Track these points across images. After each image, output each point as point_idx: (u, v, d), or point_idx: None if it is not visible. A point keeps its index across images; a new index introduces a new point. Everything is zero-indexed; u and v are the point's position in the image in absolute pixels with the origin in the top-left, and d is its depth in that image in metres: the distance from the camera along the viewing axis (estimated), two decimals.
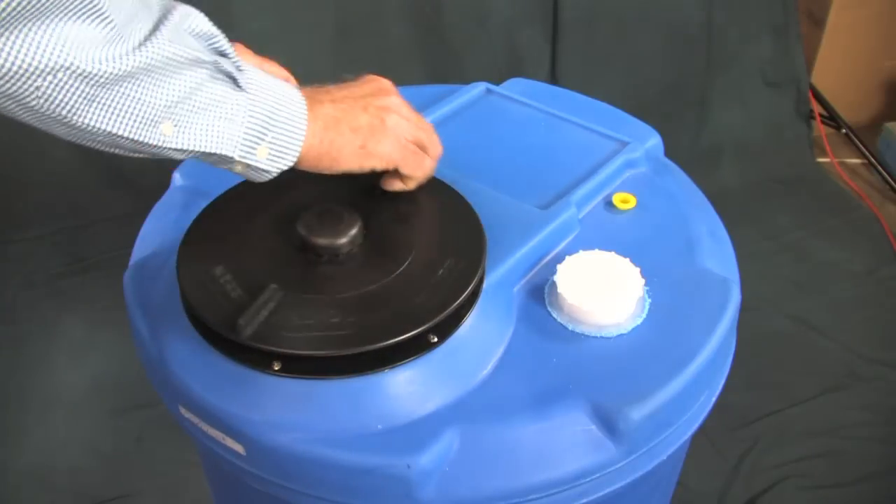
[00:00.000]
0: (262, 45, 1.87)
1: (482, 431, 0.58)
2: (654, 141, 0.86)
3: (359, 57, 1.77)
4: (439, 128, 0.86)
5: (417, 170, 0.67)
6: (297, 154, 0.59)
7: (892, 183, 1.98)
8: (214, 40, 0.54)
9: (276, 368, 0.59)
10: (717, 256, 0.73)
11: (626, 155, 0.82)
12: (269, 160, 0.57)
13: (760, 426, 1.41)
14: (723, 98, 2.02)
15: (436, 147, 0.69)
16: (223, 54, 0.55)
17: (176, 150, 0.53)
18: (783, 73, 2.05)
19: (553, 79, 1.91)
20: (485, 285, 0.65)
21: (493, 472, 0.58)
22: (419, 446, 0.57)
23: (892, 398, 1.47)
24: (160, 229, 0.76)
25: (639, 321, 0.65)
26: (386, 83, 0.67)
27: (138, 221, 0.78)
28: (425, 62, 1.83)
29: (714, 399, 0.67)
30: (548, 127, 0.87)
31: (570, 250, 0.70)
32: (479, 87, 0.92)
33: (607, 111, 0.91)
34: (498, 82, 0.95)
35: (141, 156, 0.54)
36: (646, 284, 0.67)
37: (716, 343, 0.64)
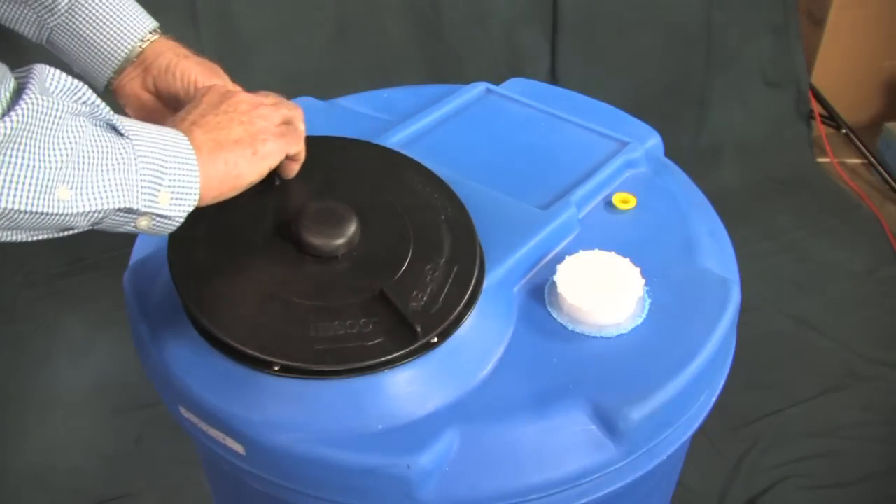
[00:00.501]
0: (262, 45, 1.88)
1: (482, 431, 0.58)
2: (654, 141, 0.86)
3: (358, 57, 1.77)
4: (439, 128, 0.87)
5: (300, 141, 0.67)
6: (198, 190, 0.57)
7: (892, 183, 1.98)
8: (80, 92, 0.51)
9: (276, 369, 0.59)
10: (717, 256, 0.73)
11: (626, 155, 0.82)
12: (173, 205, 0.55)
13: (760, 426, 1.41)
14: (723, 98, 2.02)
15: (295, 109, 0.68)
16: (93, 104, 0.52)
17: (79, 214, 0.50)
18: (783, 73, 2.05)
19: (553, 78, 1.91)
20: (485, 285, 0.65)
21: (493, 472, 0.58)
22: (419, 446, 0.57)
23: (892, 398, 1.47)
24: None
25: (639, 321, 0.65)
26: (220, 86, 0.66)
27: None
28: (425, 62, 1.83)
29: (714, 399, 0.67)
30: (548, 127, 0.87)
31: (570, 250, 0.70)
32: (479, 87, 0.92)
33: (607, 111, 0.91)
34: (497, 82, 0.95)
35: (43, 235, 0.51)
36: (646, 284, 0.67)
37: (716, 343, 0.64)
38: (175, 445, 1.31)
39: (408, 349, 0.59)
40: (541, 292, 0.68)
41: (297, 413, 0.58)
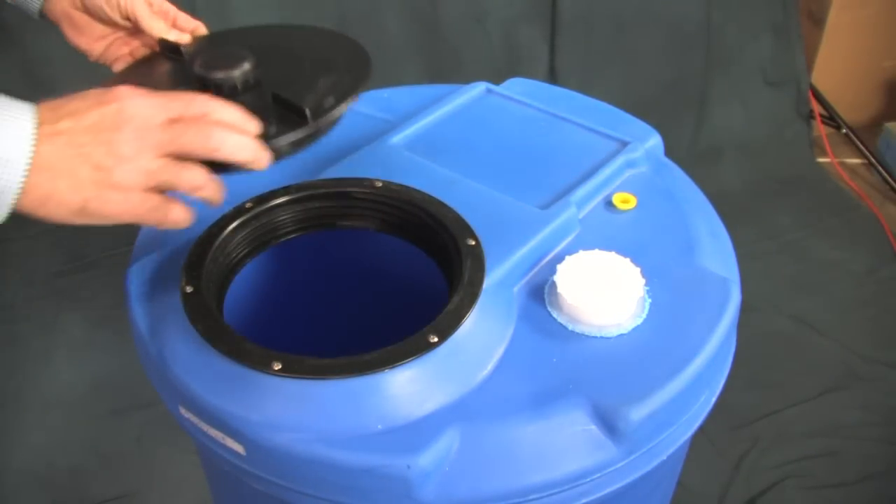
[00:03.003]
0: None
1: (482, 431, 0.58)
2: (654, 141, 0.86)
3: None
4: (439, 128, 0.86)
5: (167, 219, 0.56)
6: (7, 213, 0.51)
7: (892, 183, 1.98)
8: None
9: (277, 368, 0.59)
10: (717, 256, 0.73)
11: (626, 155, 0.82)
12: None
13: (760, 426, 1.41)
14: (723, 97, 2.02)
15: (189, 175, 0.55)
16: None
17: None
18: (783, 73, 2.05)
19: (552, 77, 1.91)
20: (485, 285, 0.65)
21: (493, 472, 0.58)
22: (419, 446, 0.57)
23: (892, 398, 1.47)
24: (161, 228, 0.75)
25: (639, 321, 0.65)
26: (123, 104, 0.54)
27: None
28: (424, 60, 1.83)
29: (714, 399, 0.67)
30: (548, 127, 0.87)
31: (570, 250, 0.70)
32: (479, 87, 0.92)
33: (607, 111, 0.91)
34: (496, 81, 0.95)
35: None
36: (646, 284, 0.67)
37: (716, 343, 0.64)
38: (175, 445, 1.31)
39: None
40: (541, 292, 0.68)
41: (297, 413, 0.58)
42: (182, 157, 0.55)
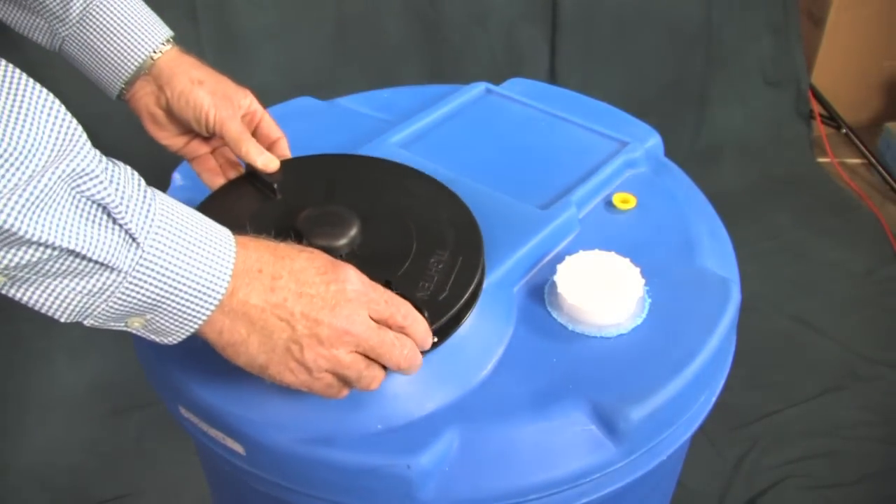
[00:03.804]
0: (262, 43, 1.88)
1: (482, 431, 0.58)
2: (654, 141, 0.86)
3: (358, 56, 1.77)
4: (439, 128, 0.86)
5: (337, 396, 0.56)
6: (184, 338, 0.52)
7: (892, 183, 1.98)
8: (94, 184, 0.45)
9: None
10: (717, 256, 0.73)
11: (626, 155, 0.82)
12: (144, 332, 0.51)
13: (760, 426, 1.41)
14: (723, 97, 2.02)
15: (369, 379, 0.55)
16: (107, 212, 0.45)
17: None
18: (783, 73, 2.05)
19: (552, 78, 1.91)
20: (485, 285, 0.65)
21: (493, 472, 0.58)
22: (419, 446, 0.57)
23: (892, 398, 1.47)
24: None
25: (639, 321, 0.65)
26: (345, 287, 0.53)
27: None
28: (424, 60, 1.83)
29: (714, 399, 0.67)
30: (548, 127, 0.87)
31: (570, 250, 0.70)
32: (479, 87, 0.93)
33: (607, 111, 0.91)
34: (497, 81, 0.95)
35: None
36: (646, 284, 0.67)
37: (716, 343, 0.64)
38: (175, 445, 1.31)
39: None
40: (541, 292, 0.68)
41: (297, 413, 0.58)
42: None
